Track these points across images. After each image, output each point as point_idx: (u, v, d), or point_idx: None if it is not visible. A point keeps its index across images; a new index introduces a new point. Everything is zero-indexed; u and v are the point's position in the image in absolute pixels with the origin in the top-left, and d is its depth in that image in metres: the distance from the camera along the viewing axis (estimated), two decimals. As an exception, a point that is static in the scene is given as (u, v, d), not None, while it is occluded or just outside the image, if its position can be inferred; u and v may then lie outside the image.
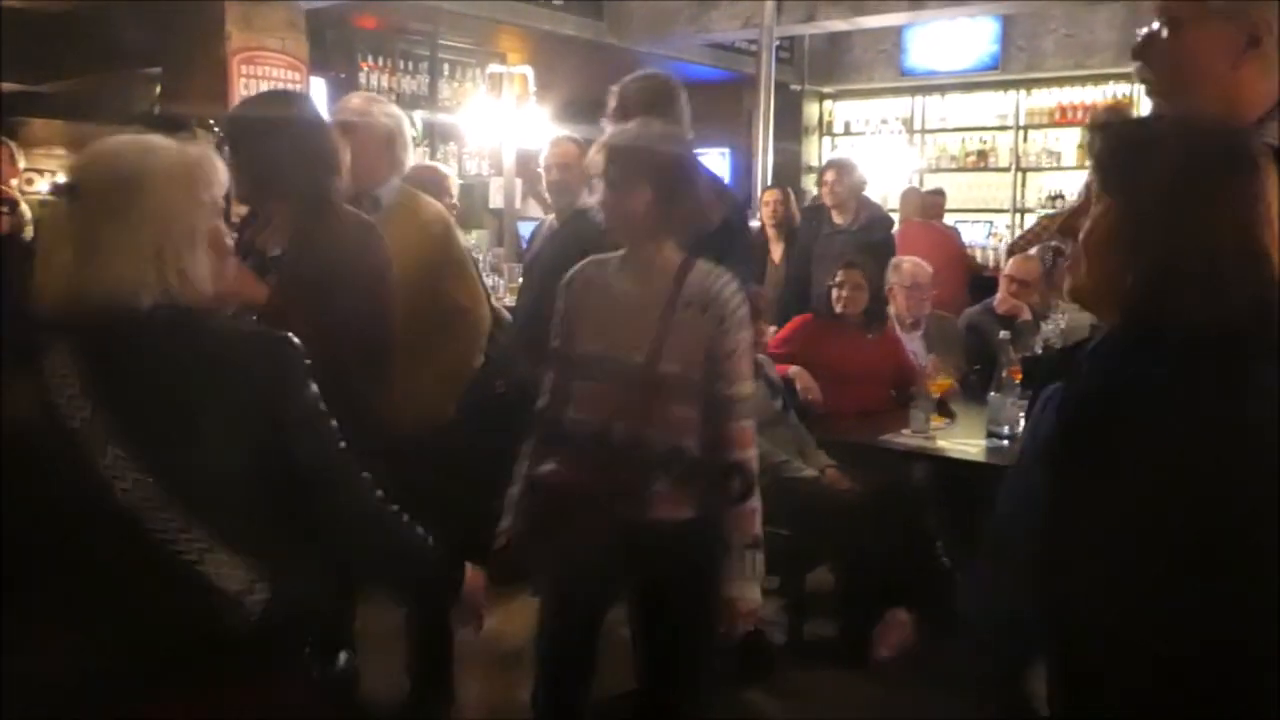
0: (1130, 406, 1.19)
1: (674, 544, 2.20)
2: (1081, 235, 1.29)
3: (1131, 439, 1.18)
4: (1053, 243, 4.50)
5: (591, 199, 2.29)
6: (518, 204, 6.44)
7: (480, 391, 3.52)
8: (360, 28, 6.58)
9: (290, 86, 5.40)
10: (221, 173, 1.51)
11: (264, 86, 5.30)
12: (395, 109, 3.06)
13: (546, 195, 4.36)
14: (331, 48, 6.40)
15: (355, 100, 3.14)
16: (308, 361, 1.50)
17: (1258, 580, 1.15)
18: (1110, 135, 1.34)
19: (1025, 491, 1.29)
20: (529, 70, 6.39)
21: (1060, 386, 1.27)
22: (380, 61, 6.62)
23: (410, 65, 6.78)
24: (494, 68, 6.57)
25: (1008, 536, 1.32)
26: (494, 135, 6.56)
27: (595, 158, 2.27)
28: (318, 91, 5.83)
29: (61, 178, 1.51)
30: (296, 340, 1.50)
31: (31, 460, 1.35)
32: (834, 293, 4.16)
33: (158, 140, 1.47)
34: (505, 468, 2.40)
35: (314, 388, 1.50)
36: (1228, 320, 1.17)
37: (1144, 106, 7.24)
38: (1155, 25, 1.61)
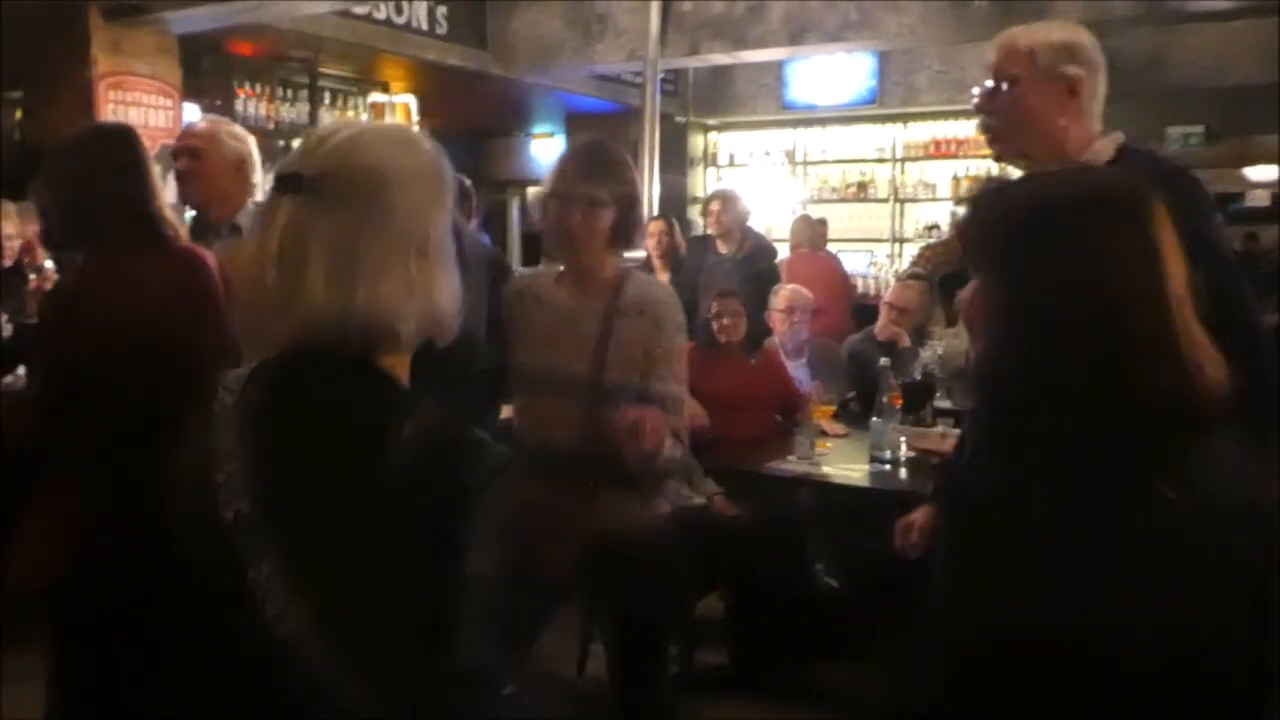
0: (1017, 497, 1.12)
1: (632, 550, 2.27)
2: (965, 310, 1.26)
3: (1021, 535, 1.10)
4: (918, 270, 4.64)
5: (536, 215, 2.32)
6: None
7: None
8: (237, 54, 6.42)
9: (161, 112, 5.23)
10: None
11: (134, 113, 5.12)
12: (242, 131, 2.99)
13: None
14: (206, 74, 6.22)
15: (200, 125, 3.05)
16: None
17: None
18: (969, 211, 1.29)
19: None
20: (412, 99, 6.32)
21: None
22: (258, 89, 6.45)
23: (289, 93, 6.63)
24: (376, 97, 6.48)
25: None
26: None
27: (564, 172, 2.27)
28: (192, 118, 5.66)
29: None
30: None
31: (167, 550, 1.08)
32: (712, 324, 4.19)
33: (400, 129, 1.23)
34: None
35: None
36: (1126, 397, 1.09)
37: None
38: (991, 83, 1.95)
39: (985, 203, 1.27)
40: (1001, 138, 1.96)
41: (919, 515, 2.54)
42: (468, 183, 4.31)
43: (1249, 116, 8.09)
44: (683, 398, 2.36)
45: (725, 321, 4.18)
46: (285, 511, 1.04)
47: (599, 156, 2.29)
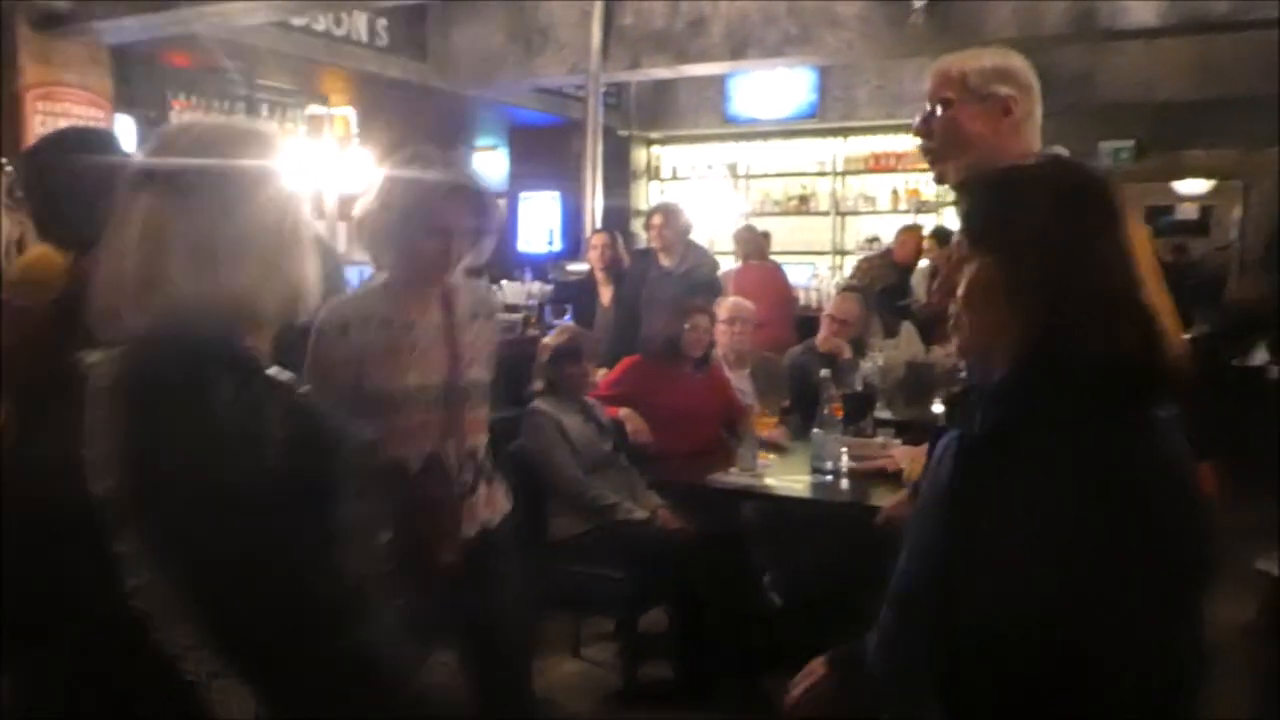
0: (1032, 446, 1.20)
1: (501, 540, 2.42)
2: (961, 292, 1.33)
3: (1035, 478, 1.18)
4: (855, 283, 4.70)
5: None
6: (342, 248, 6.27)
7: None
8: (172, 65, 6.31)
9: (93, 124, 5.12)
10: None
11: (63, 124, 5.00)
12: None
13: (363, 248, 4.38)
14: (140, 85, 6.10)
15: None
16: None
17: (1171, 614, 1.19)
18: (971, 192, 1.40)
19: (925, 542, 1.29)
20: (351, 112, 6.26)
21: (956, 435, 1.28)
22: (193, 100, 6.35)
23: (226, 105, 6.53)
24: (314, 109, 6.41)
25: (910, 590, 1.31)
26: (315, 178, 6.39)
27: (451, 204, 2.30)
28: (125, 130, 5.55)
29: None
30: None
31: (36, 522, 1.11)
32: (688, 335, 4.20)
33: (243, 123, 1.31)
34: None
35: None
36: (1118, 357, 1.20)
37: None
38: (929, 107, 2.02)
39: (987, 189, 1.39)
40: (941, 159, 2.02)
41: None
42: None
43: (1177, 132, 8.30)
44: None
45: (701, 335, 4.22)
46: (151, 488, 1.08)
47: (484, 198, 2.37)
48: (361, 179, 6.31)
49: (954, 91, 2.01)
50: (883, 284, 6.94)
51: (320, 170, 6.31)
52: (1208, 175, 9.90)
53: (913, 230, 7.56)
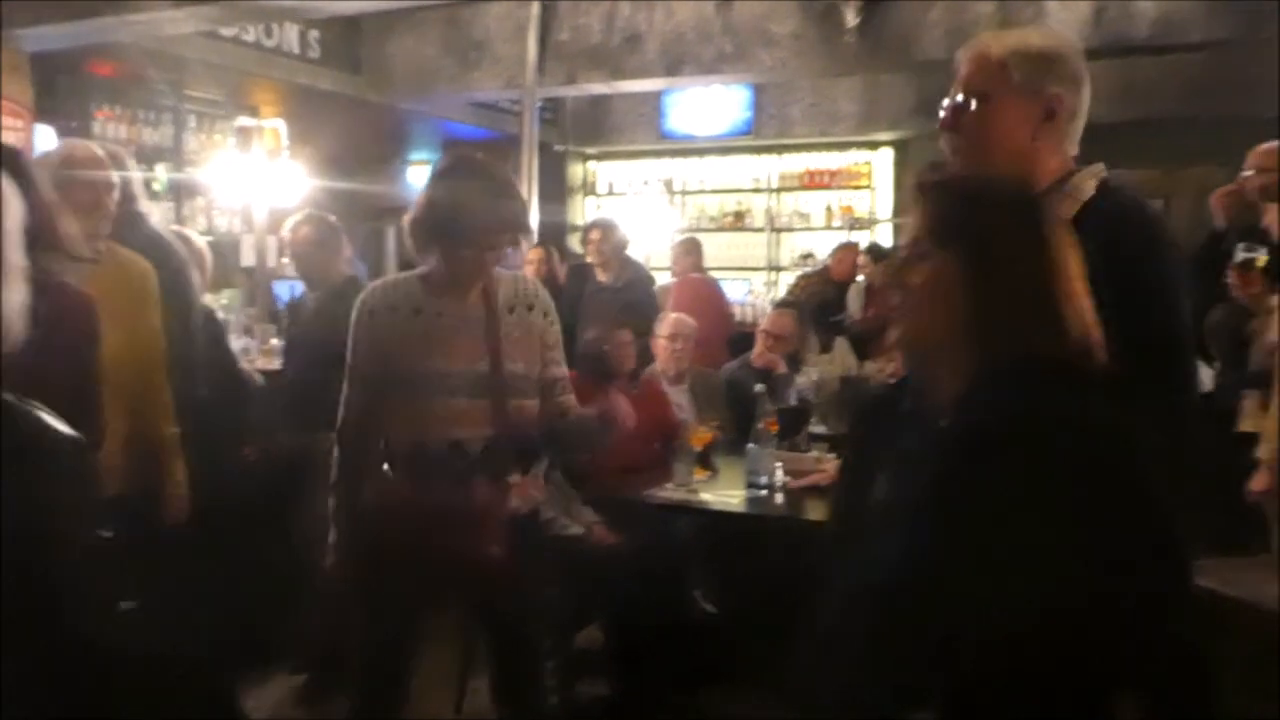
0: (1016, 437, 1.24)
1: (532, 528, 2.45)
2: (917, 287, 1.35)
3: (1023, 469, 1.21)
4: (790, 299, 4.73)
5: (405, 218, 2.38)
6: (270, 263, 6.17)
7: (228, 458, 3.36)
8: (96, 74, 6.16)
9: (11, 134, 4.98)
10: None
11: (-20, 132, 4.86)
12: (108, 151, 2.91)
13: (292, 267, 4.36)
14: (63, 95, 5.94)
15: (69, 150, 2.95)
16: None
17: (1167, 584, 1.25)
18: (939, 193, 1.42)
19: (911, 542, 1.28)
20: (281, 124, 6.17)
21: (939, 430, 1.30)
22: (118, 110, 6.20)
23: (152, 116, 6.39)
24: (243, 121, 6.30)
25: (855, 609, 1.30)
26: (245, 191, 6.28)
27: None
28: (46, 140, 5.40)
29: None
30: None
31: None
32: (614, 352, 4.18)
33: None
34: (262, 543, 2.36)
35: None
36: (1064, 350, 1.28)
37: (882, 175, 7.68)
38: (961, 97, 1.71)
39: (956, 189, 1.44)
40: (965, 158, 1.74)
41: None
42: (333, 219, 4.26)
43: (1102, 152, 8.44)
44: (567, 376, 2.57)
45: (628, 351, 4.21)
46: None
47: (516, 192, 2.42)
48: (292, 192, 6.23)
49: (992, 83, 1.70)
50: (818, 300, 7.00)
51: (249, 183, 6.20)
52: (1131, 194, 10.14)
53: (849, 247, 7.65)
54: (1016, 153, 1.70)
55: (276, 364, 4.87)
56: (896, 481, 1.36)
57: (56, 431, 1.15)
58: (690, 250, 7.58)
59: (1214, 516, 4.10)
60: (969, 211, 1.36)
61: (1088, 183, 1.73)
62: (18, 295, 1.19)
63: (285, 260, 4.47)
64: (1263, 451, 3.30)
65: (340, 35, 7.13)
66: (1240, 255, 3.77)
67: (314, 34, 6.90)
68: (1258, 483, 3.31)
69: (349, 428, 2.45)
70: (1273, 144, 4.08)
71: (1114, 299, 1.45)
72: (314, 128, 6.73)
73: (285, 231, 4.20)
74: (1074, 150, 1.76)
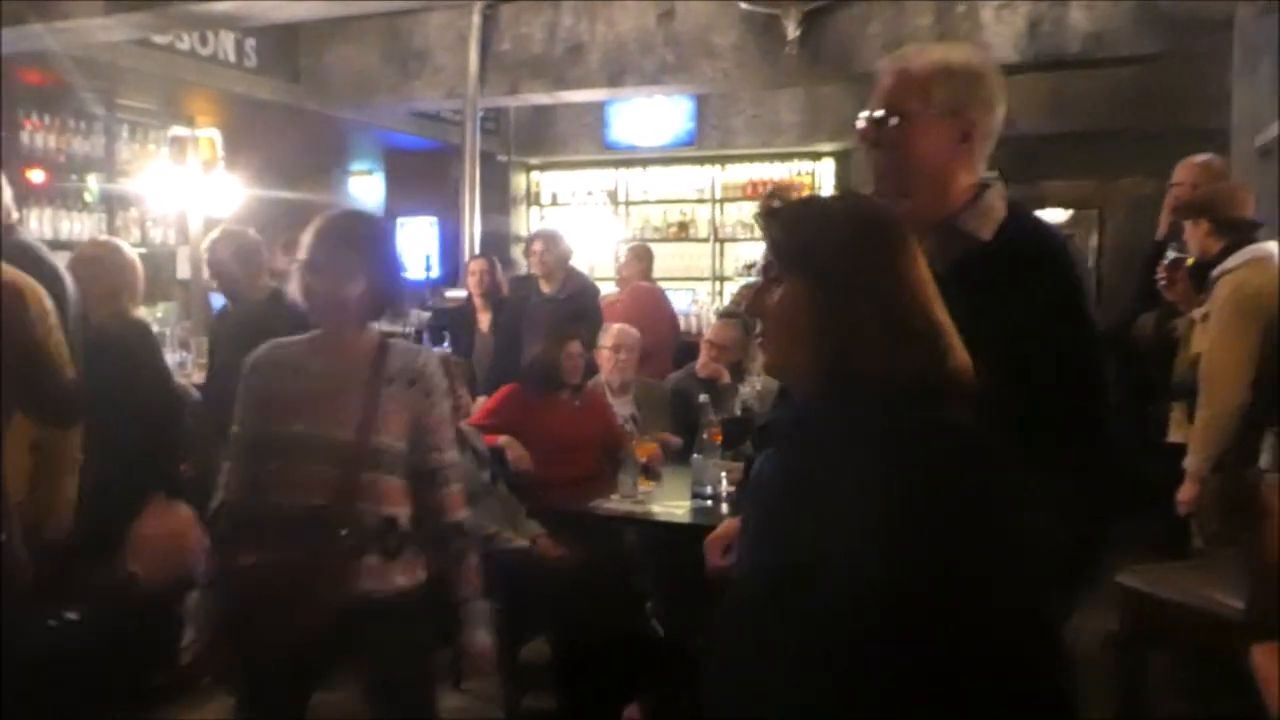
0: (837, 458, 1.25)
1: (391, 615, 2.26)
2: (771, 312, 1.36)
3: (843, 487, 1.22)
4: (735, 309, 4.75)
5: (291, 285, 2.32)
6: (206, 275, 6.06)
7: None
8: (25, 82, 6.01)
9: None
10: None
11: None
12: None
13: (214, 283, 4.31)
14: (-10, 103, 5.80)
15: None
16: None
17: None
18: (782, 219, 1.42)
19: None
20: (216, 134, 6.06)
21: (769, 454, 1.32)
22: (47, 120, 6.04)
23: (83, 125, 6.23)
24: (178, 131, 6.18)
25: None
26: (179, 202, 6.16)
27: (312, 241, 2.28)
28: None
29: None
30: None
31: None
32: (564, 363, 4.16)
33: None
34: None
35: None
36: (906, 376, 1.27)
37: (824, 185, 7.77)
38: (880, 113, 1.73)
39: (799, 215, 1.43)
40: (885, 177, 1.75)
41: (725, 528, 2.23)
42: (254, 234, 4.20)
43: (1037, 163, 8.65)
44: (459, 464, 2.44)
45: (577, 361, 4.19)
46: None
47: (350, 228, 2.35)
48: (227, 203, 6.12)
49: (913, 102, 1.72)
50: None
51: (184, 194, 6.08)
52: (1066, 205, 10.34)
53: None
54: (931, 172, 1.73)
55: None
56: (749, 496, 1.39)
57: None
58: (641, 257, 7.58)
59: (1146, 522, 4.20)
60: (806, 236, 1.37)
61: (998, 202, 1.75)
62: None
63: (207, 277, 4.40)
64: (1188, 463, 3.37)
65: (278, 44, 7.03)
66: (1171, 255, 3.86)
67: (250, 42, 6.80)
68: (1184, 494, 3.38)
69: (226, 510, 2.30)
70: (1195, 158, 4.18)
71: (1027, 329, 1.54)
72: (251, 137, 6.62)
73: (203, 248, 4.16)
74: (984, 168, 1.78)
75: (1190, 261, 3.72)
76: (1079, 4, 5.82)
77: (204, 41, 6.46)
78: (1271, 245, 3.67)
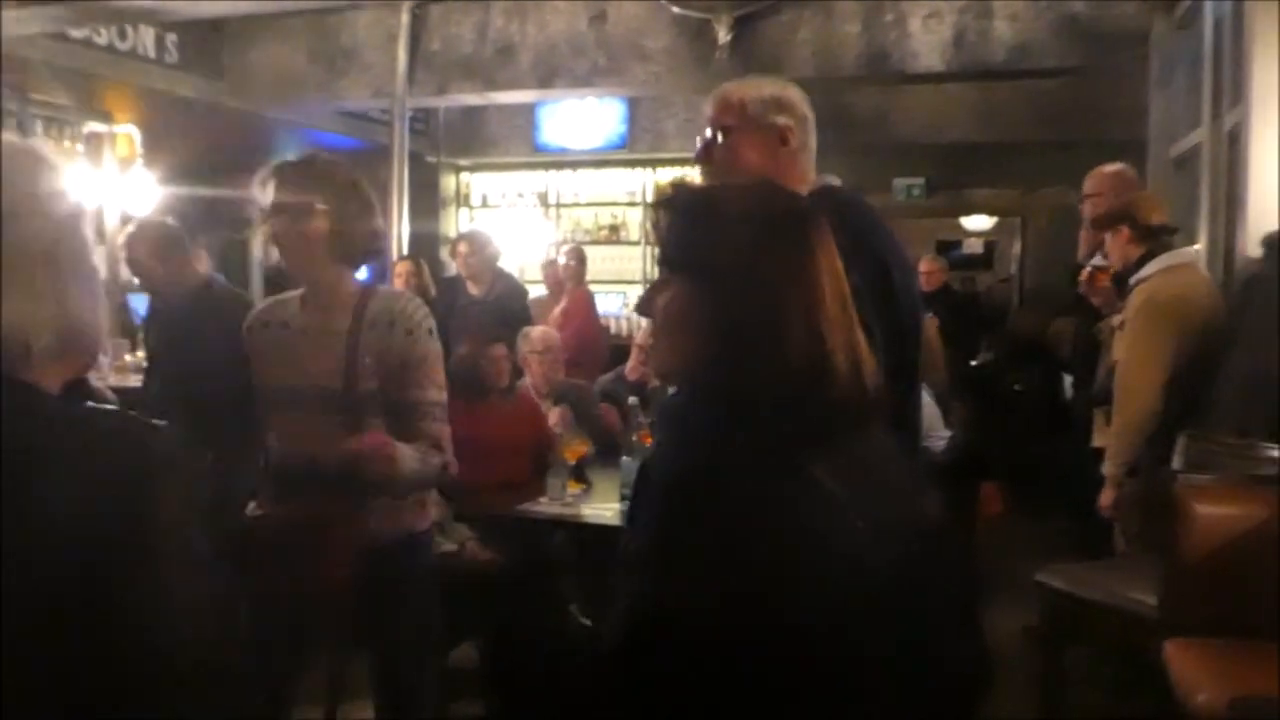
0: (712, 468, 1.19)
1: (399, 557, 2.36)
2: (660, 312, 1.31)
3: (713, 499, 1.17)
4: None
5: (256, 243, 2.34)
6: (124, 275, 5.90)
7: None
8: (-69, 75, 5.81)
9: None
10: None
11: None
12: None
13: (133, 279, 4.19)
14: (-105, 96, 5.58)
15: None
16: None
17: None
18: (673, 211, 1.34)
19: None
20: (135, 130, 5.91)
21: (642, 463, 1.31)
22: (-45, 114, 5.85)
23: (-5, 120, 6.05)
24: (94, 127, 6.01)
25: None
26: (96, 200, 5.99)
27: (268, 188, 2.27)
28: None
29: None
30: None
31: None
32: (486, 367, 4.12)
33: None
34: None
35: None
36: (788, 380, 1.21)
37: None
38: (710, 133, 2.07)
39: (685, 210, 1.34)
40: (711, 179, 2.08)
41: None
42: (173, 223, 4.09)
43: (963, 171, 8.83)
44: (443, 402, 2.42)
45: (503, 364, 4.15)
46: None
47: (305, 167, 2.35)
48: (146, 201, 5.97)
49: (734, 119, 2.06)
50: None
51: (100, 192, 5.92)
52: (990, 212, 10.57)
53: None
54: (759, 174, 1.96)
55: (134, 381, 4.65)
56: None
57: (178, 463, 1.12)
58: (583, 260, 7.57)
59: (1070, 524, 4.30)
60: (696, 230, 1.29)
61: (813, 190, 2.05)
62: (98, 299, 1.15)
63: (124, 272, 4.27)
64: (1106, 469, 3.46)
65: (200, 40, 6.87)
66: (1094, 262, 3.95)
67: (172, 38, 6.64)
68: (1103, 499, 3.46)
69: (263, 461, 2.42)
70: (1101, 168, 4.27)
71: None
72: (171, 135, 6.47)
73: (120, 242, 4.04)
74: (812, 175, 2.07)
75: (1113, 270, 3.81)
76: (1003, 16, 5.94)
77: (123, 36, 6.28)
78: (1188, 251, 3.78)
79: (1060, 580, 3.28)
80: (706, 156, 2.09)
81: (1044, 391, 4.85)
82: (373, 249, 2.40)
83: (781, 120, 2.06)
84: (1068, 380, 4.68)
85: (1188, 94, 5.19)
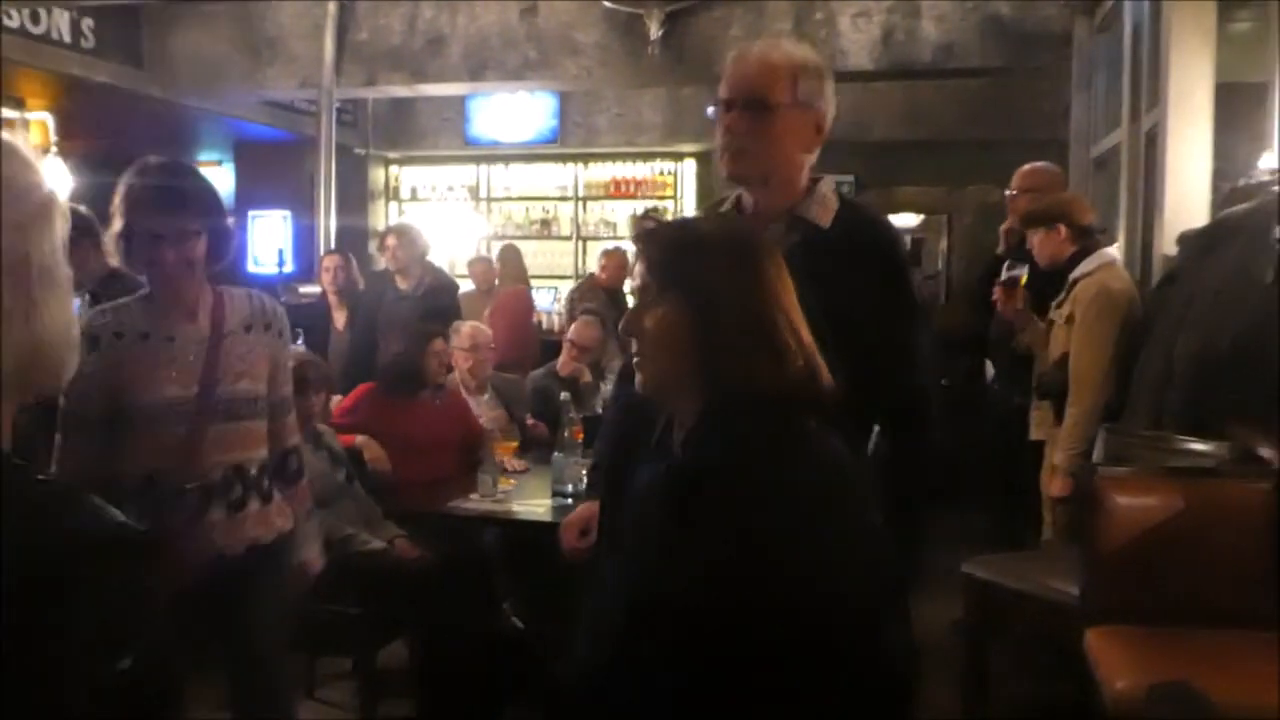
0: (729, 473, 1.29)
1: (270, 560, 2.37)
2: (649, 331, 1.39)
3: (734, 506, 1.25)
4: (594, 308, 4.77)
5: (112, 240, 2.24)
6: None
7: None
8: None
9: None
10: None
11: None
12: None
13: None
14: None
15: None
16: None
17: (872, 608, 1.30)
18: (661, 240, 1.46)
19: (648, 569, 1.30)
20: (49, 118, 5.73)
21: (664, 467, 1.34)
22: None
23: (-103, 106, 5.81)
24: (5, 113, 5.81)
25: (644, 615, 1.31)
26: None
27: (118, 205, 2.23)
28: None
29: None
30: None
31: None
32: (428, 361, 4.08)
33: None
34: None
35: None
36: (788, 386, 1.33)
37: (686, 186, 7.83)
38: (744, 105, 1.79)
39: (677, 235, 1.49)
40: (747, 159, 1.81)
41: (581, 512, 2.16)
42: (85, 210, 3.95)
43: (892, 169, 8.94)
44: (291, 396, 2.52)
45: (442, 360, 4.12)
46: None
47: (179, 183, 2.28)
48: (60, 191, 5.79)
49: (783, 94, 1.78)
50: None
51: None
52: (918, 210, 10.71)
53: (614, 253, 7.41)
54: (790, 161, 1.83)
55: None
56: (636, 510, 1.38)
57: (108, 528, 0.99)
58: (518, 259, 7.52)
59: (997, 516, 4.37)
60: (684, 257, 1.41)
61: (831, 194, 1.89)
62: (68, 318, 1.01)
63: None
64: (1059, 459, 3.52)
65: (118, 25, 6.66)
66: (1005, 274, 4.01)
67: (88, 22, 6.42)
68: (1055, 488, 3.53)
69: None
70: (1032, 165, 4.37)
71: (865, 308, 1.65)
72: (88, 123, 6.29)
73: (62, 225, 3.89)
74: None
75: (1024, 279, 3.87)
76: (930, 16, 6.03)
77: (35, 20, 6.07)
78: (1111, 251, 3.88)
79: (985, 571, 3.34)
80: (742, 129, 1.78)
81: (969, 386, 4.93)
82: (226, 247, 2.35)
83: (821, 104, 1.82)
84: (990, 373, 4.75)
85: (1107, 95, 5.32)
